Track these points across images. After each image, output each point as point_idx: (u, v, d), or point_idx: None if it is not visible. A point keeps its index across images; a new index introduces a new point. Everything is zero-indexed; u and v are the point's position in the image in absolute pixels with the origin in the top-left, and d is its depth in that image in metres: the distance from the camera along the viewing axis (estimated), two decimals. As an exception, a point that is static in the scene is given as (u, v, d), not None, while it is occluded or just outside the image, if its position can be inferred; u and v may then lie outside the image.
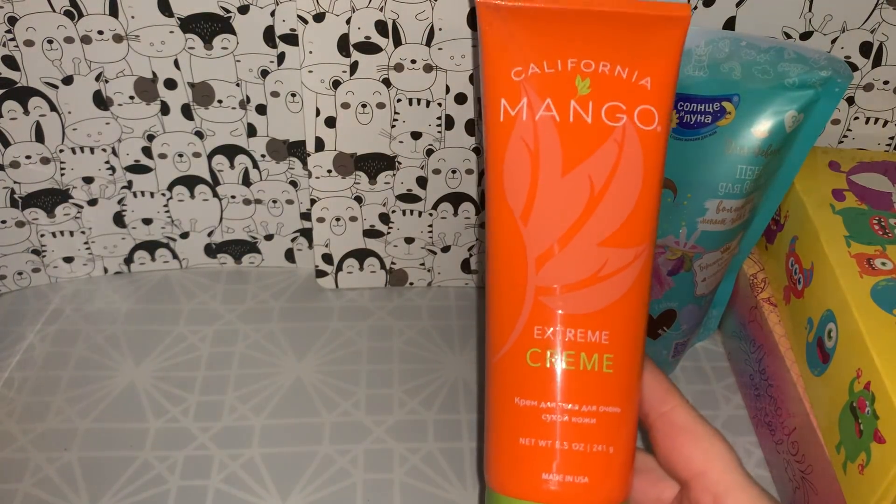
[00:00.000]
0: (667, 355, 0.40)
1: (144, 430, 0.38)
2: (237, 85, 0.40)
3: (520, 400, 0.25)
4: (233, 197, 0.44)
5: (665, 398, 0.27)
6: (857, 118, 0.41)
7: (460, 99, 0.39)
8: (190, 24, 0.37)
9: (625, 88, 0.26)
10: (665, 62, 0.26)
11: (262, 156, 0.42)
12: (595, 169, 0.26)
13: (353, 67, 0.38)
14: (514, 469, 0.26)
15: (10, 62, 0.37)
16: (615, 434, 0.25)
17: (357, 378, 0.41)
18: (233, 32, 0.38)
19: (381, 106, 0.39)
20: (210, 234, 0.46)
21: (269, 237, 0.46)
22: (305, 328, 0.44)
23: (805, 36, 0.38)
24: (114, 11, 0.37)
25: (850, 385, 0.30)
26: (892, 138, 0.42)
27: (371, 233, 0.44)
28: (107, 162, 0.42)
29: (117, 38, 0.38)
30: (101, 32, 0.37)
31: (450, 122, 0.40)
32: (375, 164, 0.41)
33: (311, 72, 0.38)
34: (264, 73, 0.39)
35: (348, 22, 0.36)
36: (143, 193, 0.43)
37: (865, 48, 0.38)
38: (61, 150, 0.41)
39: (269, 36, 0.38)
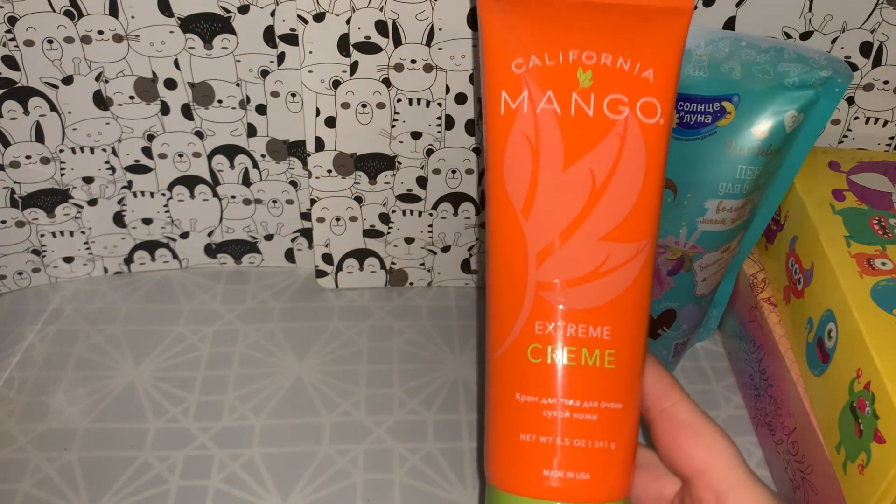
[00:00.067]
0: (667, 355, 0.40)
1: (144, 430, 0.38)
2: (237, 85, 0.40)
3: (521, 396, 0.25)
4: (233, 197, 0.44)
5: (667, 394, 0.27)
6: (857, 118, 0.41)
7: (460, 99, 0.39)
8: (190, 24, 0.37)
9: (627, 81, 0.26)
10: (668, 54, 0.26)
11: (262, 156, 0.42)
12: (597, 163, 0.25)
13: (353, 67, 0.38)
14: (515, 465, 0.25)
15: (10, 62, 0.37)
16: (617, 430, 0.25)
17: (357, 378, 0.41)
18: (233, 32, 0.38)
19: (381, 106, 0.39)
20: (210, 234, 0.46)
21: (269, 237, 0.46)
22: (305, 328, 0.44)
23: (805, 36, 0.38)
24: (114, 11, 0.37)
25: (850, 385, 0.30)
26: (892, 138, 0.42)
27: (371, 233, 0.44)
28: (107, 162, 0.42)
29: (117, 38, 0.38)
30: (101, 32, 0.37)
31: (450, 122, 0.40)
32: (375, 164, 0.41)
33: (311, 72, 0.38)
34: (264, 73, 0.39)
35: (348, 22, 0.36)
36: (143, 193, 0.43)
37: (865, 48, 0.38)
38: (61, 150, 0.41)
39: (269, 36, 0.38)
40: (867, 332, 0.29)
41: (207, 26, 0.37)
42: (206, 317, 0.44)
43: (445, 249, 0.45)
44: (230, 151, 0.42)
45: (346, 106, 0.39)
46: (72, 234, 0.44)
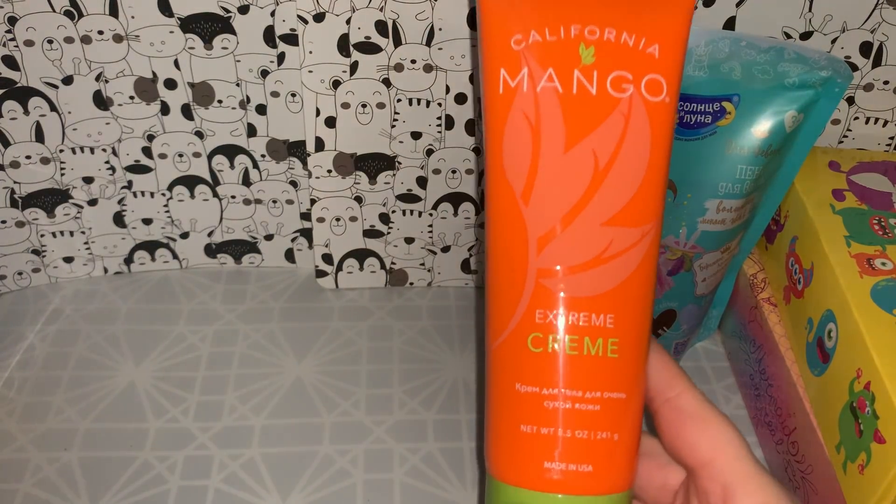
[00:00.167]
0: (667, 355, 0.40)
1: (144, 430, 0.38)
2: (237, 85, 0.40)
3: (521, 386, 0.24)
4: (233, 197, 0.44)
5: (671, 383, 0.26)
6: (857, 118, 0.41)
7: (460, 99, 0.39)
8: (190, 24, 0.37)
9: (631, 57, 0.25)
10: (674, 29, 0.25)
11: (262, 156, 0.42)
12: (600, 144, 0.24)
13: (353, 67, 0.38)
14: (516, 457, 0.25)
15: (10, 62, 0.37)
16: (620, 421, 0.24)
17: (357, 378, 0.41)
18: (233, 32, 0.38)
19: (381, 106, 0.39)
20: (210, 234, 0.46)
21: (269, 237, 0.46)
22: (305, 328, 0.44)
23: (805, 36, 0.38)
24: (114, 11, 0.37)
25: (850, 385, 0.30)
26: (892, 138, 0.42)
27: (371, 233, 0.44)
28: (107, 162, 0.42)
29: (117, 38, 0.38)
30: (101, 32, 0.37)
31: (450, 122, 0.40)
32: (375, 164, 0.41)
33: (311, 72, 0.38)
34: (264, 73, 0.39)
35: (348, 22, 0.36)
36: (143, 193, 0.43)
37: (865, 48, 0.38)
38: (61, 150, 0.41)
39: (269, 36, 0.38)
40: (867, 332, 0.29)
41: (207, 26, 0.37)
42: (206, 317, 0.44)
43: (445, 249, 0.45)
44: (230, 151, 0.42)
45: (346, 106, 0.39)
46: (72, 234, 0.44)
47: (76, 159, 0.41)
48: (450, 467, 0.37)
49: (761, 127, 0.33)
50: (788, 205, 0.37)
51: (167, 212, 0.44)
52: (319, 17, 0.36)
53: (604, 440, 0.24)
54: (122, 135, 0.41)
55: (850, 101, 0.40)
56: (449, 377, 0.41)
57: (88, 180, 0.42)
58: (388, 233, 0.44)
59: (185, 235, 0.45)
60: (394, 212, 0.43)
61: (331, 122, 0.40)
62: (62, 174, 0.42)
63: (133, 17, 0.37)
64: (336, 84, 0.38)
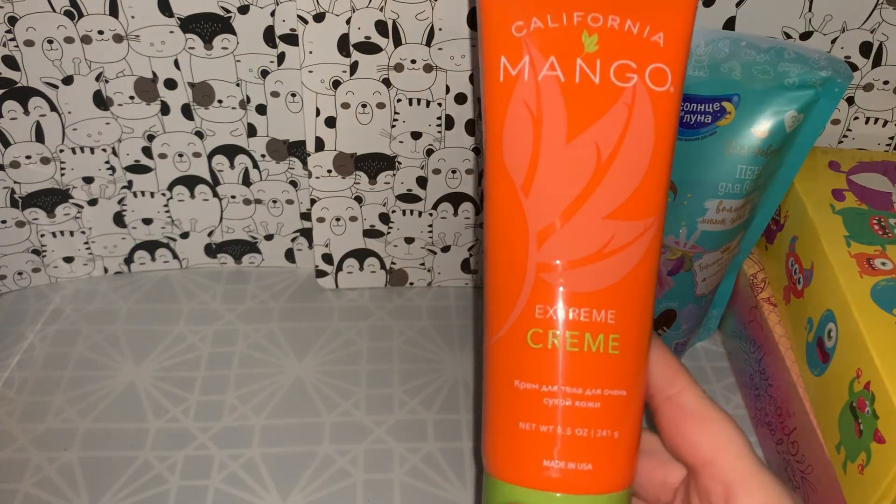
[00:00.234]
0: (667, 355, 0.40)
1: (144, 430, 0.38)
2: (237, 85, 0.40)
3: (520, 383, 0.24)
4: (233, 197, 0.44)
5: (672, 380, 0.25)
6: (857, 118, 0.41)
7: (460, 99, 0.39)
8: (190, 24, 0.37)
9: (635, 45, 0.24)
10: (679, 16, 0.24)
11: (262, 156, 0.42)
12: (602, 134, 0.24)
13: (353, 67, 0.38)
14: (514, 455, 0.24)
15: (11, 62, 0.37)
16: (621, 418, 0.24)
17: (357, 378, 0.41)
18: (233, 32, 0.38)
19: (381, 106, 0.39)
20: (210, 234, 0.46)
21: (269, 237, 0.46)
22: (305, 328, 0.44)
23: (805, 36, 0.38)
24: (114, 11, 0.37)
25: (850, 385, 0.30)
26: (892, 138, 0.42)
27: (371, 233, 0.44)
28: (107, 162, 0.42)
29: (117, 38, 0.38)
30: (101, 32, 0.37)
31: (450, 122, 0.40)
32: (375, 164, 0.41)
33: (311, 72, 0.38)
34: (264, 73, 0.39)
35: (348, 22, 0.36)
36: (143, 193, 0.43)
37: (865, 48, 0.38)
38: (61, 150, 0.41)
39: (269, 36, 0.38)
40: (867, 332, 0.29)
41: (207, 26, 0.37)
42: (206, 317, 0.44)
43: (445, 249, 0.45)
44: (230, 151, 0.42)
45: (346, 106, 0.39)
46: (72, 234, 0.44)
47: (76, 159, 0.41)
48: (450, 467, 0.37)
49: (761, 127, 0.33)
50: (788, 205, 0.37)
51: (167, 212, 0.44)
52: (319, 17, 0.36)
53: (604, 438, 0.24)
54: (122, 135, 0.41)
55: (850, 101, 0.40)
56: (449, 377, 0.41)
57: (88, 180, 0.42)
58: (388, 233, 0.44)
59: (185, 235, 0.45)
60: (394, 212, 0.43)
61: (331, 122, 0.40)
62: (62, 174, 0.42)
63: (133, 17, 0.37)
64: (336, 84, 0.38)
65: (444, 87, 0.39)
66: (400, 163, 0.41)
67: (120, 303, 0.45)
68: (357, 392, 0.40)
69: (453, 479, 0.36)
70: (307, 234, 0.46)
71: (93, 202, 0.43)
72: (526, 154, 0.24)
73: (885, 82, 0.39)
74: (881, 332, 0.29)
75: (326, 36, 0.37)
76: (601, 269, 0.24)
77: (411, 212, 0.43)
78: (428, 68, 0.38)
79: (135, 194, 0.43)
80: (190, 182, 0.43)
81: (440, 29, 0.37)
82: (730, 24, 0.37)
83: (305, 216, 0.45)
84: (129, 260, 0.46)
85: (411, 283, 0.47)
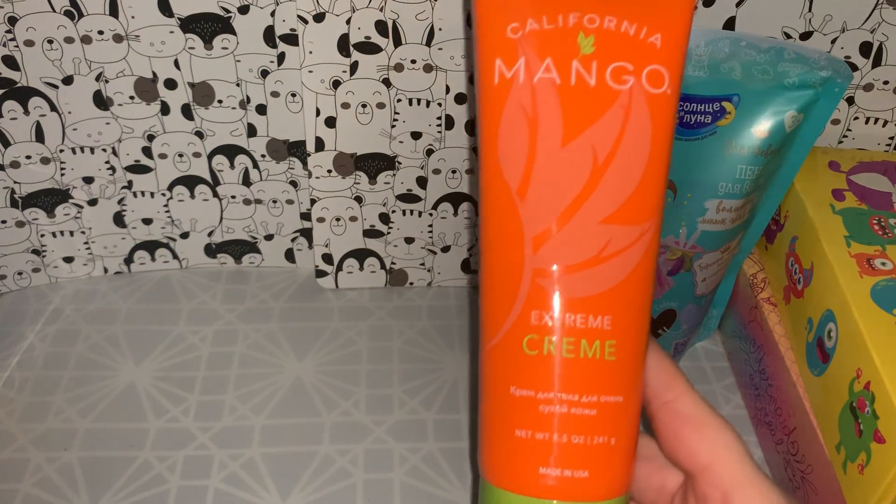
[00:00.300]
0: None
1: (144, 430, 0.38)
2: (237, 85, 0.40)
3: (515, 389, 0.24)
4: (233, 197, 0.44)
5: (670, 386, 0.25)
6: (857, 118, 0.41)
7: (460, 99, 0.39)
8: (190, 24, 0.37)
9: (632, 46, 0.24)
10: (677, 17, 0.24)
11: (262, 156, 0.42)
12: (599, 138, 0.23)
13: (353, 67, 0.38)
14: (510, 462, 0.24)
15: (11, 62, 0.37)
16: (617, 425, 0.24)
17: (357, 378, 0.41)
18: (233, 32, 0.38)
19: (381, 106, 0.39)
20: (210, 234, 0.46)
21: (269, 237, 0.46)
22: (305, 328, 0.44)
23: (805, 36, 0.38)
24: (114, 11, 0.37)
25: (850, 385, 0.30)
26: (892, 138, 0.42)
27: (371, 233, 0.44)
28: (107, 162, 0.42)
29: (117, 38, 0.38)
30: (101, 32, 0.37)
31: (450, 122, 0.40)
32: (375, 164, 0.41)
33: (311, 72, 0.38)
34: (264, 73, 0.39)
35: (348, 22, 0.36)
36: (143, 193, 0.43)
37: (865, 48, 0.38)
38: (61, 150, 0.41)
39: (269, 36, 0.38)
40: (867, 332, 0.29)
41: (207, 26, 0.37)
42: (206, 317, 0.44)
43: (445, 249, 0.45)
44: (230, 151, 0.42)
45: (346, 106, 0.39)
46: (72, 234, 0.44)
47: (76, 159, 0.41)
48: (450, 467, 0.37)
49: (761, 127, 0.33)
50: (788, 205, 0.37)
51: (167, 212, 0.44)
52: (319, 17, 0.36)
53: (600, 445, 0.24)
54: (122, 135, 0.41)
55: (850, 101, 0.40)
56: (449, 377, 0.41)
57: (88, 180, 0.42)
58: (388, 233, 0.44)
59: (185, 235, 0.45)
60: (394, 212, 0.43)
61: (331, 122, 0.40)
62: (62, 174, 0.42)
63: (133, 17, 0.37)
64: (336, 84, 0.38)
65: (444, 87, 0.39)
66: (400, 163, 0.41)
67: (120, 303, 0.45)
68: (357, 392, 0.40)
69: (453, 479, 0.36)
70: (307, 234, 0.46)
71: (93, 202, 0.43)
72: (521, 158, 0.24)
73: (885, 82, 0.39)
74: (881, 332, 0.29)
75: (326, 36, 0.37)
76: (597, 274, 0.24)
77: (411, 212, 0.43)
78: (428, 68, 0.38)
79: (135, 194, 0.43)
80: (190, 182, 0.43)
81: (440, 29, 0.37)
82: (730, 24, 0.37)
83: (305, 216, 0.45)
84: (129, 260, 0.46)
85: (411, 283, 0.47)
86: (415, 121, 0.40)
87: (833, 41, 0.38)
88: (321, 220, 0.43)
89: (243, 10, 0.37)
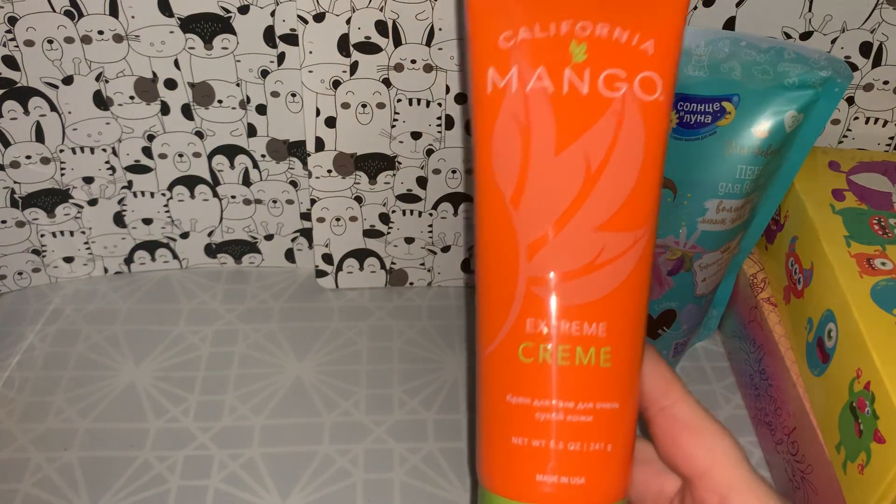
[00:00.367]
0: (667, 355, 0.40)
1: (144, 430, 0.38)
2: (237, 85, 0.40)
3: (512, 397, 0.24)
4: (233, 197, 0.44)
5: (666, 391, 0.25)
6: (857, 118, 0.41)
7: (460, 99, 0.39)
8: (190, 24, 0.37)
9: (624, 54, 0.24)
10: (669, 24, 0.24)
11: (262, 156, 0.42)
12: (592, 146, 0.24)
13: (353, 67, 0.38)
14: (507, 469, 0.24)
15: (11, 62, 0.37)
16: (614, 431, 0.24)
17: (357, 378, 0.41)
18: (233, 32, 0.38)
19: (381, 106, 0.39)
20: (210, 234, 0.46)
21: (269, 237, 0.46)
22: (305, 328, 0.44)
23: (805, 36, 0.38)
24: (114, 11, 0.37)
25: (850, 385, 0.30)
26: (892, 138, 0.42)
27: (371, 233, 0.44)
28: (107, 162, 0.42)
29: (117, 38, 0.38)
30: (101, 32, 0.37)
31: (450, 122, 0.40)
32: (375, 164, 0.41)
33: (311, 72, 0.38)
34: (264, 73, 0.39)
35: (348, 22, 0.36)
36: (143, 193, 0.43)
37: (865, 48, 0.38)
38: (61, 150, 0.41)
39: (269, 36, 0.38)
40: (867, 332, 0.29)
41: (207, 26, 0.37)
42: (206, 317, 0.44)
43: (445, 249, 0.45)
44: (230, 151, 0.42)
45: (346, 106, 0.39)
46: (72, 234, 0.44)
47: (76, 159, 0.41)
48: (450, 467, 0.37)
49: (761, 127, 0.33)
50: (788, 205, 0.37)
51: (167, 212, 0.44)
52: (319, 17, 0.36)
53: (597, 451, 0.24)
54: (122, 135, 0.41)
55: (850, 101, 0.40)
56: (449, 377, 0.41)
57: (88, 180, 0.42)
58: (388, 233, 0.44)
59: (185, 235, 0.45)
60: (394, 212, 0.43)
61: (331, 122, 0.40)
62: (62, 174, 0.42)
63: (133, 17, 0.37)
64: (336, 84, 0.38)
65: (444, 87, 0.39)
66: (400, 163, 0.41)
67: (120, 303, 0.45)
68: (357, 392, 0.40)
69: (453, 479, 0.36)
70: (307, 234, 0.46)
71: (93, 202, 0.43)
72: (515, 166, 0.24)
73: (885, 82, 0.39)
74: (881, 332, 0.29)
75: (326, 36, 0.37)
76: (592, 281, 0.24)
77: (411, 212, 0.43)
78: (428, 68, 0.38)
79: (135, 194, 0.43)
80: (190, 182, 0.43)
81: (440, 29, 0.37)
82: (730, 24, 0.37)
83: (305, 216, 0.45)
84: (129, 260, 0.46)
85: (411, 283, 0.47)
86: (415, 121, 0.40)
87: (833, 41, 0.38)
88: (321, 220, 0.43)
89: (243, 10, 0.37)
